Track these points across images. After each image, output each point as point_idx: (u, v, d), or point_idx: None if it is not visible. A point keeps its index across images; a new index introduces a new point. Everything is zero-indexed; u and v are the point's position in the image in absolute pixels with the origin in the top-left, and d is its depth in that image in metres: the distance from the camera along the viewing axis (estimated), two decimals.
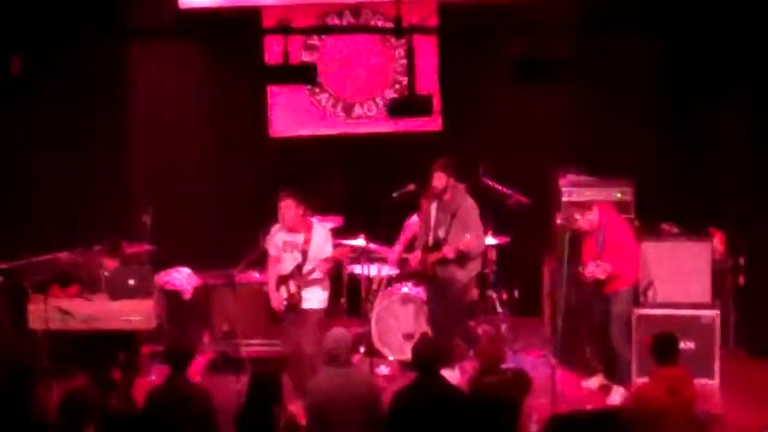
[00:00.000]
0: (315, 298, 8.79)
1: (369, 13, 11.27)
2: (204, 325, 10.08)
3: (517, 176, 10.54)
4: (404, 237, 10.23)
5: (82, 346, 8.78)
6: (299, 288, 8.72)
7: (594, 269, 8.87)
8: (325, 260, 8.76)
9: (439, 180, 9.20)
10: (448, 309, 9.33)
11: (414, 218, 10.17)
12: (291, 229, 8.79)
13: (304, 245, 8.74)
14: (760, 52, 9.91)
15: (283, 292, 8.77)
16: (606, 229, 8.99)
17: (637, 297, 9.36)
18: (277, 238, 8.88)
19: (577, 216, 9.01)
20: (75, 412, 6.17)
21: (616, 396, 8.96)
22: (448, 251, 9.10)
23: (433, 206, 9.34)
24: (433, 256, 9.22)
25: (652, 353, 7.19)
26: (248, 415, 6.61)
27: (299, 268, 8.73)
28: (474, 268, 9.36)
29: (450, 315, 9.33)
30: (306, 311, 8.75)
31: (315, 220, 9.02)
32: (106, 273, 9.10)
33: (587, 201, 9.28)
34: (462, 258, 9.15)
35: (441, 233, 9.22)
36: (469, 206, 9.27)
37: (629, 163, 10.57)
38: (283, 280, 8.79)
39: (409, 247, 10.08)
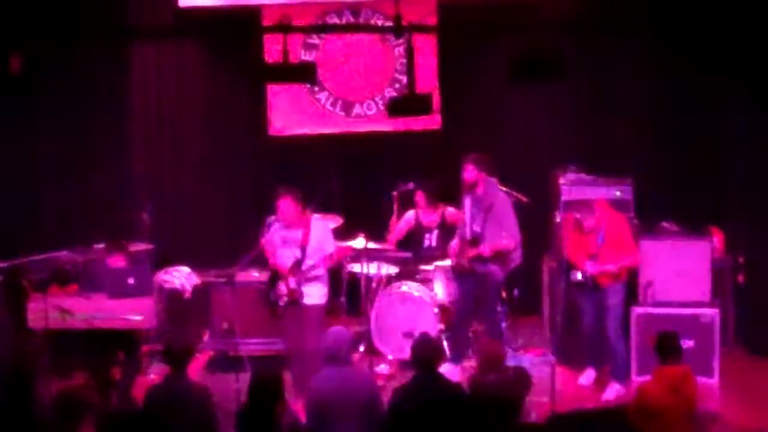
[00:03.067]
0: (315, 294, 8.82)
1: (368, 12, 11.26)
2: (204, 324, 10.08)
3: (517, 175, 10.52)
4: (400, 225, 10.23)
5: (82, 345, 8.77)
6: (299, 284, 8.74)
7: (599, 266, 8.91)
8: (329, 257, 8.78)
9: (470, 173, 9.21)
10: (483, 304, 9.38)
11: (410, 213, 10.19)
12: (289, 226, 8.81)
13: (302, 241, 8.76)
14: (760, 52, 9.91)
15: (283, 288, 8.79)
16: (606, 226, 9.02)
17: (634, 292, 9.38)
18: (275, 235, 8.90)
19: (578, 216, 9.03)
20: (69, 410, 6.18)
21: (611, 392, 8.99)
22: (484, 250, 9.12)
23: (467, 200, 9.35)
24: (471, 252, 9.24)
25: (655, 351, 7.20)
26: (250, 413, 6.61)
27: (298, 263, 8.75)
28: (511, 262, 9.38)
29: (484, 309, 9.40)
30: (307, 307, 8.77)
31: (315, 216, 9.05)
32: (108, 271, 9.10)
33: (587, 201, 9.29)
34: (500, 255, 9.17)
35: (477, 227, 9.23)
36: (503, 200, 9.30)
37: (628, 162, 10.57)
38: (281, 276, 8.80)
39: (408, 245, 10.13)
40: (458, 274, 9.55)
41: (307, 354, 8.44)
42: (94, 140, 11.26)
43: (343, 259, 9.68)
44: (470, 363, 9.20)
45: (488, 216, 9.19)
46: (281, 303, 8.84)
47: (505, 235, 9.10)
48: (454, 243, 9.47)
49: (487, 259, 9.18)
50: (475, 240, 9.24)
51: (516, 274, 10.40)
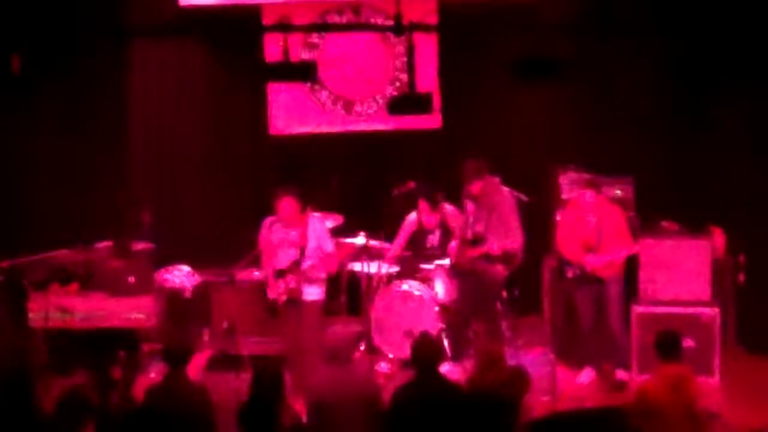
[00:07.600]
0: (314, 291, 8.84)
1: (369, 11, 11.27)
2: (204, 323, 10.08)
3: (517, 174, 10.52)
4: (403, 234, 10.22)
5: (82, 344, 8.78)
6: (299, 283, 8.75)
7: (599, 258, 8.92)
8: (329, 258, 8.76)
9: (476, 186, 9.24)
10: (483, 302, 9.38)
11: (412, 216, 10.17)
12: (287, 225, 8.82)
13: (301, 241, 8.76)
14: (759, 51, 9.91)
15: (282, 286, 8.79)
16: (603, 219, 9.05)
17: (634, 290, 9.39)
18: (273, 233, 8.90)
19: (587, 193, 9.06)
20: (73, 410, 6.18)
21: (621, 378, 9.00)
22: (493, 249, 9.11)
23: (470, 201, 9.35)
24: (474, 251, 9.23)
25: (656, 350, 7.21)
26: (251, 411, 6.62)
27: (297, 263, 8.75)
28: (516, 261, 9.38)
29: (483, 308, 9.39)
30: (305, 303, 8.78)
31: (313, 215, 9.05)
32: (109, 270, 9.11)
33: (591, 179, 9.30)
34: (508, 255, 9.18)
35: (479, 227, 9.23)
36: (507, 200, 9.30)
37: (629, 161, 10.57)
38: (280, 274, 8.81)
39: (410, 245, 10.11)
40: (458, 273, 9.55)
41: (307, 351, 8.46)
42: (94, 140, 11.26)
43: (343, 260, 9.67)
44: (471, 362, 9.19)
45: (492, 216, 9.19)
46: (280, 301, 8.86)
47: (510, 239, 9.09)
48: (454, 244, 9.47)
49: (495, 258, 9.17)
50: (477, 240, 9.23)
51: (516, 274, 10.43)
